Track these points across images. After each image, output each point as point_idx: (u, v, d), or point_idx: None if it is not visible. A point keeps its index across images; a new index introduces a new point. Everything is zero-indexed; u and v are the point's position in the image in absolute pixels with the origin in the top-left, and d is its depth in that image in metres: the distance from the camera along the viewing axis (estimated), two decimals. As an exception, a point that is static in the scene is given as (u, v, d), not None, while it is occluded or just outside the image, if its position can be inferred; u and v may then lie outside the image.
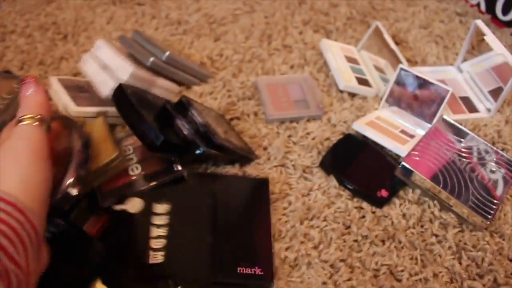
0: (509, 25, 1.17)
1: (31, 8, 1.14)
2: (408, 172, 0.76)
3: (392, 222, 0.74)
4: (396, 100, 0.90)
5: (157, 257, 0.63)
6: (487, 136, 0.89)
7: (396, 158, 0.83)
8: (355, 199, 0.77)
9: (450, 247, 0.71)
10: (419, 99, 0.88)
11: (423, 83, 0.87)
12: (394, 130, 0.87)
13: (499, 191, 0.76)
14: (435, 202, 0.76)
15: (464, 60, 1.03)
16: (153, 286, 0.61)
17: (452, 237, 0.72)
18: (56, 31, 1.08)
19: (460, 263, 0.70)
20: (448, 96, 0.85)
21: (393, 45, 0.97)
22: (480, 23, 0.94)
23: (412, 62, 1.06)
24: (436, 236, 0.73)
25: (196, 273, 0.63)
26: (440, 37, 1.14)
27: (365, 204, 0.76)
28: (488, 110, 0.95)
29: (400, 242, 0.72)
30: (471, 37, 0.97)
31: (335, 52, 1.00)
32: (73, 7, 1.15)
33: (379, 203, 0.76)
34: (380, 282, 0.67)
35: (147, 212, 0.68)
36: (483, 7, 1.24)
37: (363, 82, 0.96)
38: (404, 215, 0.75)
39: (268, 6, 1.19)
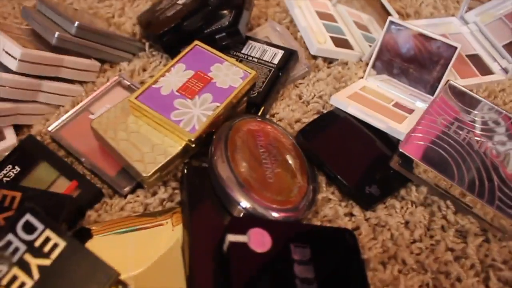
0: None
1: None
2: (408, 163, 0.56)
3: (392, 235, 0.54)
4: (386, 64, 0.70)
5: None
6: (507, 105, 0.70)
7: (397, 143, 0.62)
8: (343, 204, 0.57)
9: (472, 266, 0.53)
10: (417, 62, 0.68)
11: (421, 40, 0.67)
12: (385, 104, 0.68)
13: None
14: (448, 202, 0.57)
15: (469, 8, 0.84)
16: None
17: (474, 250, 0.53)
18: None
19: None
20: (456, 54, 0.65)
21: (378, -6, 0.76)
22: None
23: (403, 15, 0.88)
24: (452, 250, 0.54)
25: None
26: (436, -18, 0.93)
27: (356, 210, 0.56)
28: (505, 70, 0.77)
29: (404, 263, 0.52)
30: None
31: (303, 7, 0.81)
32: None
33: (367, 202, 0.57)
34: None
35: (286, 257, 0.47)
36: None
37: (341, 43, 0.77)
38: (407, 223, 0.55)
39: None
